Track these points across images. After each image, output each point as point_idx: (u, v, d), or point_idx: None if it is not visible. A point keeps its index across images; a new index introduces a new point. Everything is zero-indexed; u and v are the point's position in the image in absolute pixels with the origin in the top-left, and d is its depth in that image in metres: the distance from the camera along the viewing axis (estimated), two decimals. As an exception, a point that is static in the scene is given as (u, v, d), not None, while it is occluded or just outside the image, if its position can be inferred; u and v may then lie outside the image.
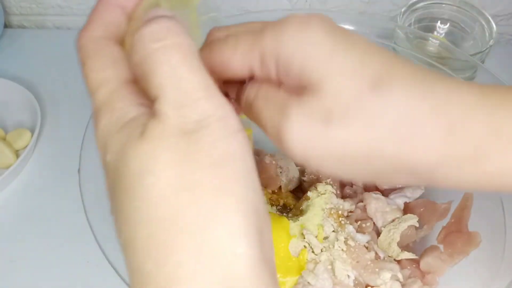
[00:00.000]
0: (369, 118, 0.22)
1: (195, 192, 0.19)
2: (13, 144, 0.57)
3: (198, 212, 0.18)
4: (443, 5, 0.59)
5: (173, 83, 0.19)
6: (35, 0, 0.71)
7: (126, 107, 0.21)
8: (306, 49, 0.22)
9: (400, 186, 0.49)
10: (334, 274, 0.40)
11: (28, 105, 0.60)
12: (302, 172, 0.50)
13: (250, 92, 0.25)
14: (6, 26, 0.72)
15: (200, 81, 0.20)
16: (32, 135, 0.57)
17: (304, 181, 0.49)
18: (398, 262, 0.44)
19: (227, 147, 0.19)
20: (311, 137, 0.22)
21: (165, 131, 0.19)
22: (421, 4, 0.59)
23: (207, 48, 0.25)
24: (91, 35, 0.23)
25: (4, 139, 0.57)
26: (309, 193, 0.45)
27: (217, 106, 0.20)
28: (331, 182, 0.47)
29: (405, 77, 0.22)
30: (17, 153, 0.57)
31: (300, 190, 0.50)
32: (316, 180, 0.48)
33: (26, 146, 0.56)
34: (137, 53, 0.20)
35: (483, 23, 0.57)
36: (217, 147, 0.19)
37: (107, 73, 0.22)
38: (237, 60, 0.24)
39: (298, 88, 0.23)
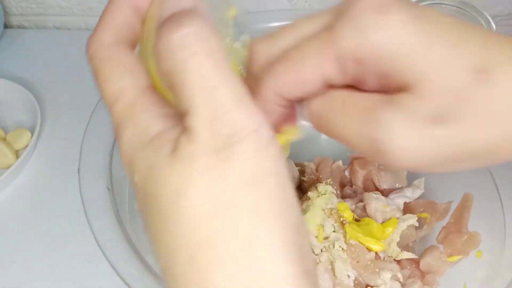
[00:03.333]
0: (483, 113, 0.20)
1: (231, 214, 0.18)
2: (13, 144, 0.57)
3: (237, 236, 0.18)
4: (443, 5, 0.59)
5: (204, 95, 0.18)
6: (35, 0, 0.71)
7: (150, 119, 0.20)
8: (395, 42, 0.20)
9: (400, 186, 0.49)
10: (334, 275, 0.40)
11: (28, 105, 0.60)
12: (302, 172, 0.50)
13: (317, 103, 0.22)
14: (6, 26, 0.72)
15: (232, 90, 0.18)
16: (32, 135, 0.57)
17: (304, 181, 0.49)
18: (398, 262, 0.44)
19: (261, 164, 0.18)
20: (420, 141, 0.20)
21: (197, 150, 0.18)
22: (421, 4, 0.59)
23: (266, 72, 0.22)
24: (101, 41, 0.21)
25: (4, 139, 0.57)
26: (309, 193, 0.45)
27: (250, 116, 0.18)
28: (331, 183, 0.47)
29: (506, 61, 0.20)
30: (17, 153, 0.57)
31: (300, 190, 0.50)
32: (316, 181, 0.48)
33: (26, 146, 0.56)
34: (164, 62, 0.18)
35: (483, 23, 0.57)
36: (251, 165, 0.18)
37: (124, 82, 0.20)
38: (307, 73, 0.21)
39: (383, 89, 0.21)
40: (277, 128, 0.23)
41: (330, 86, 0.22)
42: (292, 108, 0.23)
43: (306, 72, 0.21)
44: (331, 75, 0.21)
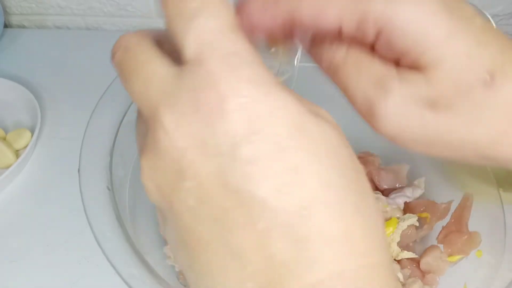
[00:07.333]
0: (478, 112, 0.21)
1: None
2: (13, 144, 0.57)
3: None
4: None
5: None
6: (35, 0, 0.71)
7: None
8: (423, 26, 0.20)
9: (400, 186, 0.49)
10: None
11: (28, 105, 0.60)
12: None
13: (337, 54, 0.22)
14: (6, 26, 0.72)
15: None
16: (32, 135, 0.57)
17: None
18: (399, 262, 0.44)
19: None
20: (410, 119, 0.21)
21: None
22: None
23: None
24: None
25: (4, 139, 0.57)
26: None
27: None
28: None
29: None
30: (17, 153, 0.57)
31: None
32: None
33: (26, 146, 0.56)
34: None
35: (483, 23, 0.57)
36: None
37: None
38: (330, 15, 0.21)
39: (395, 60, 0.22)
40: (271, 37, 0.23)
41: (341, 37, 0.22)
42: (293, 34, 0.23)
43: (325, 16, 0.21)
44: (348, 30, 0.21)
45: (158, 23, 0.71)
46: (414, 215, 0.45)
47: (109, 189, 0.39)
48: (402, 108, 0.21)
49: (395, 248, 0.44)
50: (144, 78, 0.18)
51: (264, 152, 0.16)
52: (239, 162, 0.16)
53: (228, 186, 0.17)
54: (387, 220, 0.45)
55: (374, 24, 0.20)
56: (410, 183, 0.49)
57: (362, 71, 0.22)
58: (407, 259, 0.44)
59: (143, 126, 0.20)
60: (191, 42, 0.17)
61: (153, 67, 0.18)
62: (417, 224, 0.45)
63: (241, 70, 0.17)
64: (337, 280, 0.16)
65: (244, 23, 0.20)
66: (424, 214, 0.46)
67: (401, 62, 0.21)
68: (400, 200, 0.47)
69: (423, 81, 0.21)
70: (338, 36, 0.22)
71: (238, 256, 0.17)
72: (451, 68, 0.20)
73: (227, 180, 0.16)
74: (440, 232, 0.45)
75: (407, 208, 0.47)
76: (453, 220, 0.45)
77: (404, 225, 0.44)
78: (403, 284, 0.42)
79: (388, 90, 0.21)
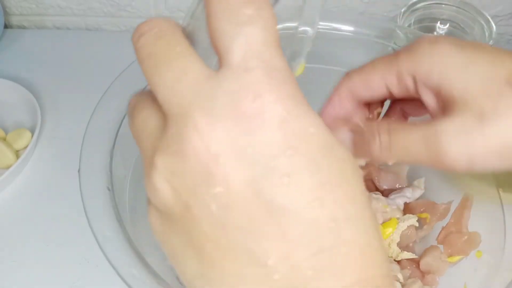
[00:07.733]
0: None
1: None
2: (13, 144, 0.57)
3: None
4: (443, 5, 0.59)
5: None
6: (35, 0, 0.71)
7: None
8: (442, 62, 0.26)
9: (400, 186, 0.49)
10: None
11: (28, 105, 0.60)
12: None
13: (387, 135, 0.27)
14: (6, 26, 0.72)
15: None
16: (32, 135, 0.57)
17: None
18: (398, 262, 0.44)
19: None
20: (472, 141, 0.24)
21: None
22: (421, 4, 0.59)
23: (347, 76, 0.30)
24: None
25: (4, 139, 0.57)
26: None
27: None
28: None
29: None
30: (17, 153, 0.57)
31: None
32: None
33: (26, 146, 0.56)
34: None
35: (483, 23, 0.57)
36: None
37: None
38: (376, 80, 0.28)
39: (430, 105, 0.27)
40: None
41: (392, 100, 0.29)
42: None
43: (373, 78, 0.28)
44: (392, 85, 0.28)
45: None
46: (414, 215, 0.45)
47: (109, 189, 0.39)
48: (460, 138, 0.25)
49: (395, 248, 0.44)
50: (177, 72, 0.18)
51: (300, 167, 0.17)
52: (275, 174, 0.17)
53: (260, 195, 0.17)
54: (387, 220, 0.45)
55: (408, 76, 0.27)
56: (410, 184, 0.49)
57: (412, 130, 0.26)
58: (407, 259, 0.44)
59: (154, 119, 0.19)
60: (238, 48, 0.17)
61: (188, 63, 0.18)
62: (417, 224, 0.45)
63: (284, 86, 0.17)
64: (357, 287, 0.17)
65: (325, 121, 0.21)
66: (424, 215, 0.46)
67: (437, 102, 0.27)
68: (400, 200, 0.47)
69: (464, 105, 0.25)
70: (390, 96, 0.29)
71: (262, 264, 0.17)
72: (478, 84, 0.25)
73: (260, 190, 0.17)
74: (440, 232, 0.45)
75: (407, 209, 0.47)
76: (453, 221, 0.45)
77: (404, 225, 0.44)
78: (403, 285, 0.42)
79: (442, 129, 0.25)
